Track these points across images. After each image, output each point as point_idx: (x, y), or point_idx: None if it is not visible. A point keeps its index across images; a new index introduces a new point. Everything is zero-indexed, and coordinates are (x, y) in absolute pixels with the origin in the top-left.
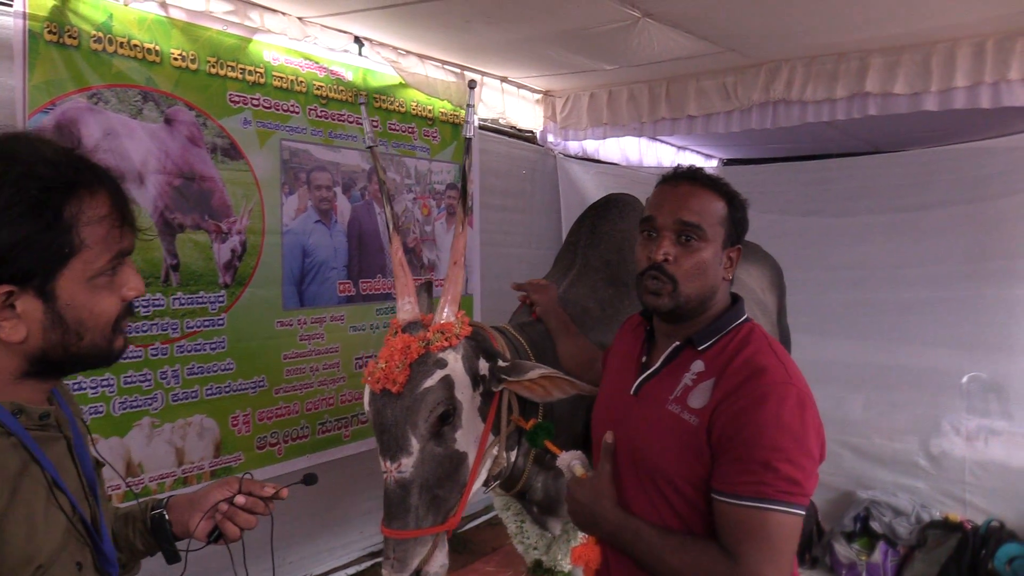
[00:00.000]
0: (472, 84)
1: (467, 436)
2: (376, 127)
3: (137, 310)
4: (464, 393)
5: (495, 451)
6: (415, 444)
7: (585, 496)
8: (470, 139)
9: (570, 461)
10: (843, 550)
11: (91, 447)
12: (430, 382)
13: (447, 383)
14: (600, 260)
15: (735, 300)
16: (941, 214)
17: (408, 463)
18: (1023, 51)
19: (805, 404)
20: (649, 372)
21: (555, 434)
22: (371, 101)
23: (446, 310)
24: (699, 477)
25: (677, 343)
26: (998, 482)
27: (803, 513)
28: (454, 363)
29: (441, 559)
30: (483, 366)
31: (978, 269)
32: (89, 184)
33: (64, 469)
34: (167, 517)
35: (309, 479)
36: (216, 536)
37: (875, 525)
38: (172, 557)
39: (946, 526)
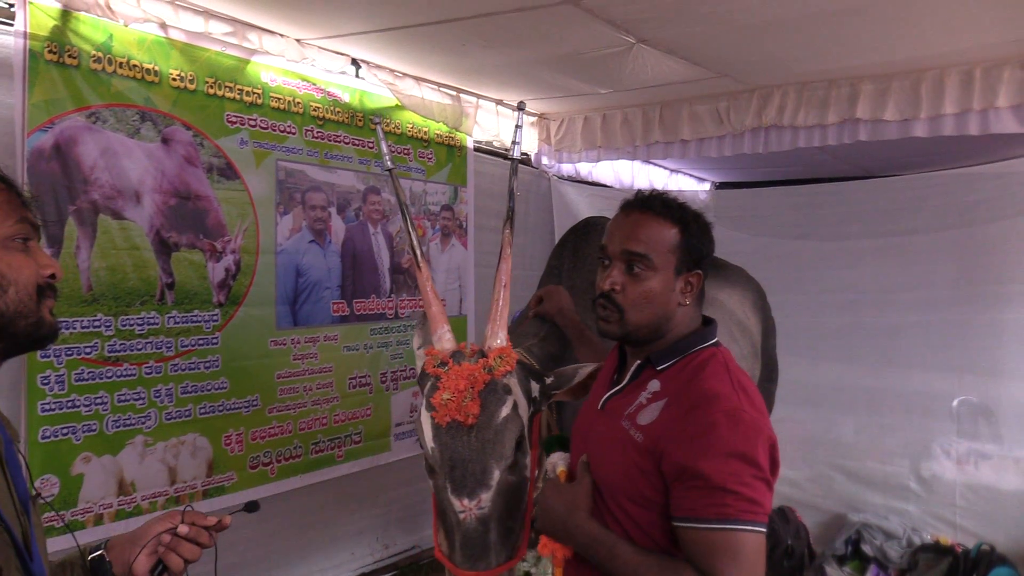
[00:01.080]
0: (521, 106)
1: (528, 459)
2: (372, 148)
3: (129, 328)
4: (525, 416)
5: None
6: (496, 477)
7: (561, 503)
8: (517, 160)
9: (556, 461)
10: (834, 573)
11: (27, 475)
12: (506, 411)
13: (517, 409)
14: (585, 282)
15: (707, 323)
16: (931, 239)
17: (487, 497)
18: (1010, 79)
19: (759, 428)
20: (615, 389)
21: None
22: (367, 123)
23: (500, 334)
24: (642, 495)
25: (639, 362)
26: (988, 506)
27: (765, 531)
28: (515, 387)
29: None
30: (534, 387)
31: (967, 293)
32: None
33: None
34: (107, 558)
35: (250, 506)
36: (160, 571)
37: (866, 548)
38: None
39: (937, 549)
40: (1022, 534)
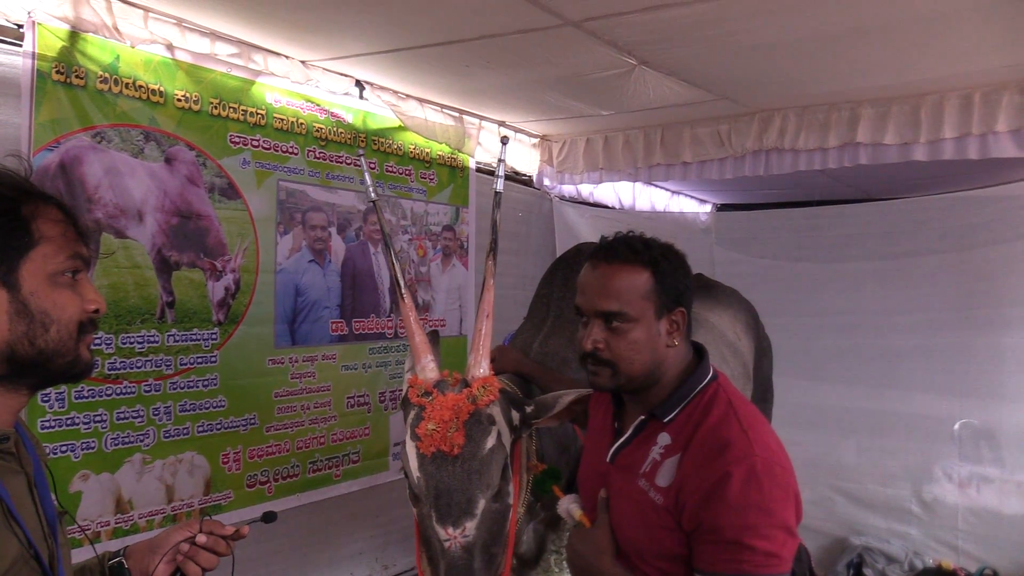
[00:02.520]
0: (505, 140)
1: (510, 486)
2: (373, 168)
3: (129, 346)
4: (508, 444)
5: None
6: (481, 506)
7: (587, 549)
8: (500, 193)
9: (568, 505)
10: None
11: (54, 494)
12: (491, 441)
13: (501, 439)
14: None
15: (699, 356)
16: (931, 262)
17: (472, 526)
18: (1009, 104)
19: (773, 473)
20: (623, 440)
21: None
22: (369, 144)
23: (483, 363)
24: (671, 552)
25: (642, 416)
26: (991, 529)
27: None
28: (499, 416)
29: None
30: (515, 416)
31: (967, 317)
32: (42, 196)
33: (22, 505)
34: (125, 565)
35: (268, 517)
36: None
37: (868, 572)
38: None
39: (939, 573)
40: None
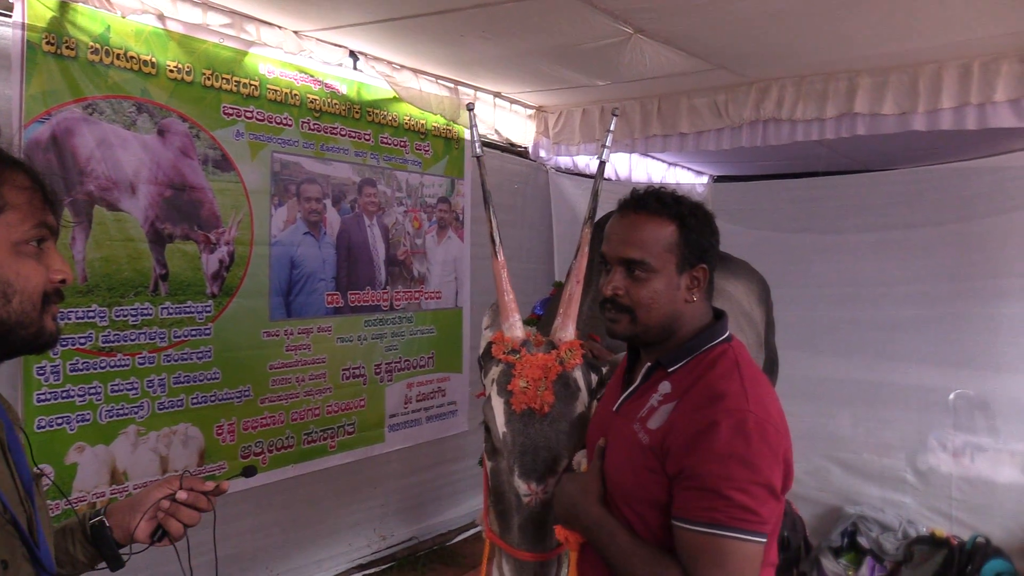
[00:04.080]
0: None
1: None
2: (368, 140)
3: (123, 319)
4: (587, 406)
5: None
6: (564, 464)
7: (573, 489)
8: (604, 162)
9: (579, 458)
10: (831, 565)
11: (30, 458)
12: (580, 405)
13: (585, 401)
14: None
15: (718, 317)
16: (928, 233)
17: (553, 483)
18: (1008, 73)
19: (764, 430)
20: (629, 391)
21: None
22: (364, 115)
23: (570, 327)
24: (654, 497)
25: (649, 363)
26: (984, 498)
27: (760, 540)
28: (582, 380)
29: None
30: (593, 379)
31: (964, 287)
32: (9, 161)
33: None
34: (107, 523)
35: (248, 471)
36: (160, 536)
37: (862, 540)
38: (115, 564)
39: (932, 542)
40: (1017, 527)
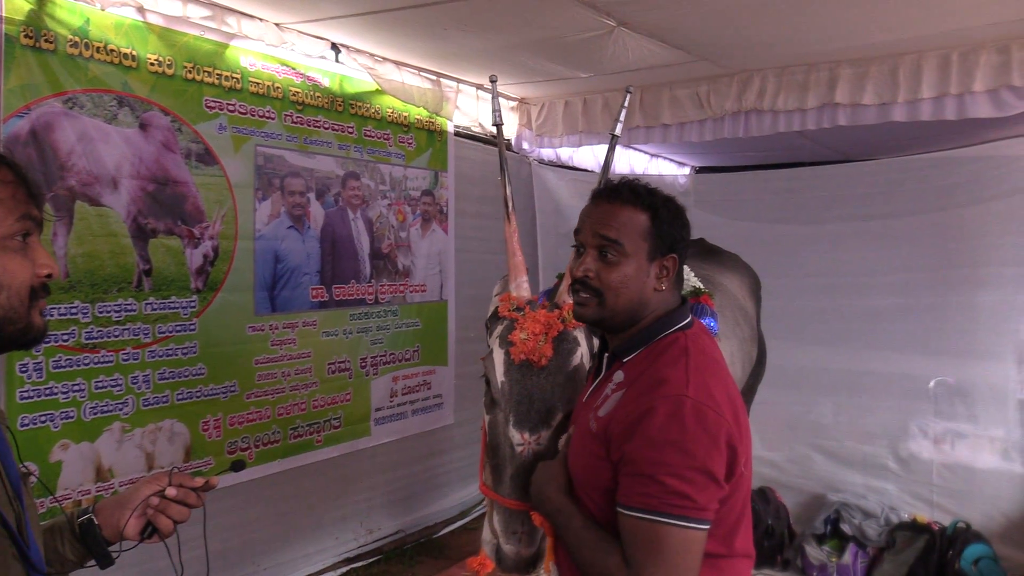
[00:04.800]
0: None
1: None
2: (351, 133)
3: (106, 315)
4: (588, 367)
5: None
6: (558, 418)
7: (541, 476)
8: (616, 136)
9: (564, 441)
10: (814, 552)
11: (17, 457)
12: (577, 360)
13: (583, 361)
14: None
15: (682, 304)
16: (909, 222)
17: (546, 436)
18: (987, 64)
19: (702, 415)
20: (596, 382)
21: None
22: (347, 108)
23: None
24: (604, 484)
25: (608, 355)
26: (964, 484)
27: (699, 527)
28: (583, 340)
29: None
30: (596, 344)
31: (944, 276)
32: None
33: None
34: (96, 521)
35: (237, 465)
36: (149, 533)
37: (845, 527)
38: (105, 561)
39: (914, 527)
40: (996, 511)
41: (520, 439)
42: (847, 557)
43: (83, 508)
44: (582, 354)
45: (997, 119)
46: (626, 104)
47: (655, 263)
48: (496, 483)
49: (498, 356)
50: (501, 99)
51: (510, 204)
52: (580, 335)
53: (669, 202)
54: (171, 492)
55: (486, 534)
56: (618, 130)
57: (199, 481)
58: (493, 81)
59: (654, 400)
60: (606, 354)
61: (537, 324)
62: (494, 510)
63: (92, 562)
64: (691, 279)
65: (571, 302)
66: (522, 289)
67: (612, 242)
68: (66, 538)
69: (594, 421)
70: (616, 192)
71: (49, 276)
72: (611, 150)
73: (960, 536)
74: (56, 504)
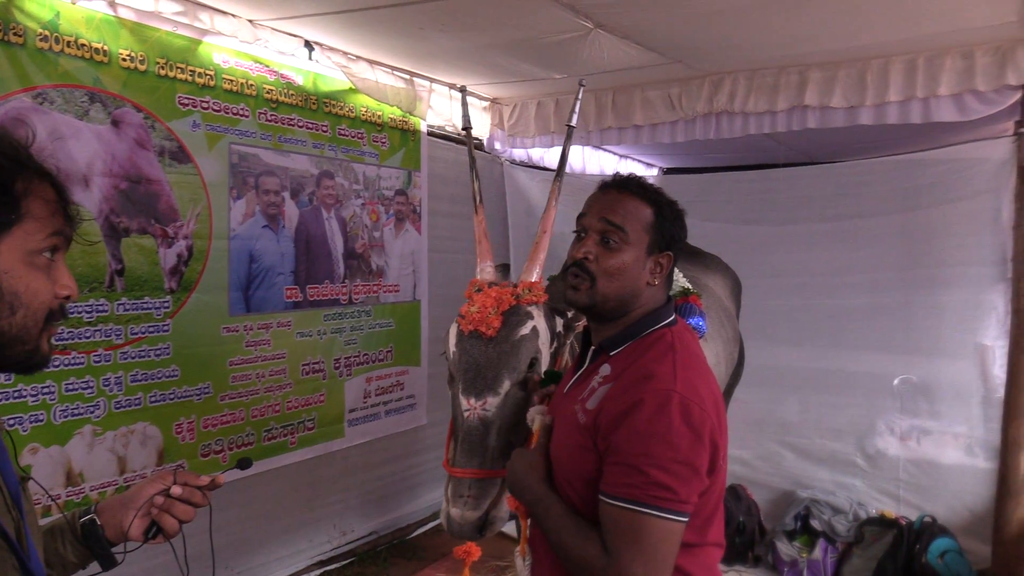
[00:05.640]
0: (582, 83)
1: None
2: (325, 132)
3: (77, 316)
4: (544, 347)
5: None
6: (505, 386)
7: (520, 466)
8: (572, 127)
9: (535, 414)
10: (785, 548)
11: (15, 460)
12: (526, 330)
13: (536, 334)
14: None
15: (668, 302)
16: (875, 223)
17: (494, 403)
18: (951, 68)
19: (687, 410)
20: (579, 373)
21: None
22: (320, 106)
23: (535, 271)
24: (589, 475)
25: (594, 347)
26: (930, 479)
27: (679, 519)
28: (539, 318)
29: (505, 506)
30: (558, 323)
31: (910, 276)
32: (38, 171)
33: None
34: (98, 522)
35: (243, 464)
36: (154, 533)
37: (815, 523)
38: (108, 563)
39: (882, 523)
40: (961, 505)
41: (467, 404)
42: (817, 552)
43: (85, 508)
44: (534, 327)
45: (961, 123)
46: (580, 97)
47: (652, 257)
48: (451, 456)
49: (452, 329)
50: (473, 99)
51: (478, 198)
52: (535, 311)
53: (673, 203)
54: (176, 491)
55: (442, 503)
56: (574, 121)
57: (205, 479)
58: (462, 91)
59: (643, 393)
60: (591, 348)
61: (489, 298)
62: (448, 479)
63: (94, 563)
64: (680, 279)
65: (531, 281)
66: (485, 273)
67: (617, 227)
68: (67, 540)
69: (582, 413)
70: (625, 184)
71: (68, 298)
72: (567, 140)
73: (926, 530)
74: (48, 498)
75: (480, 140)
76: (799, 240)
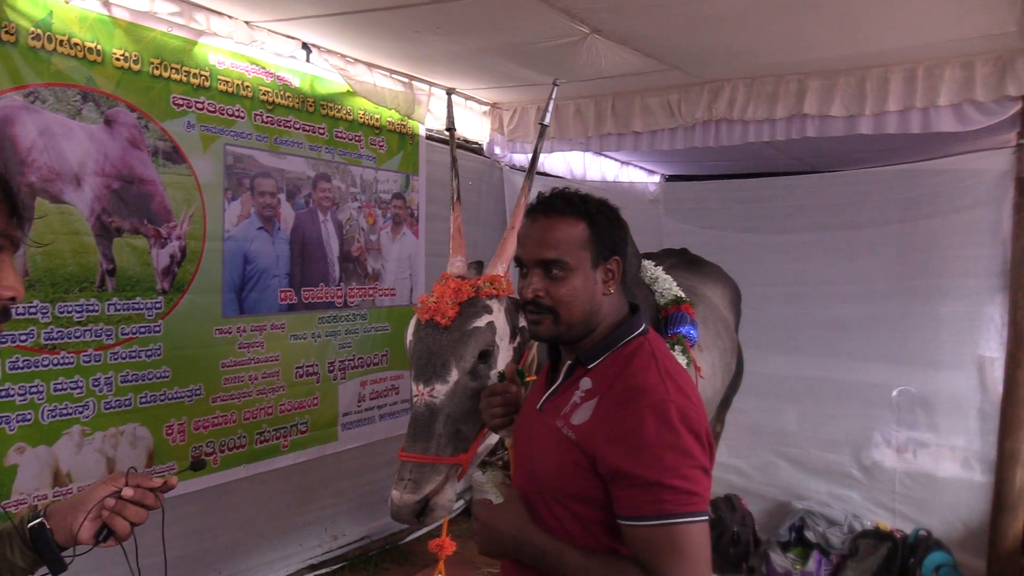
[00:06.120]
0: (555, 82)
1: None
2: (323, 135)
3: (67, 316)
4: (503, 342)
5: None
6: (454, 375)
7: (506, 524)
8: (546, 126)
9: (491, 481)
10: (779, 559)
11: None
12: (479, 322)
13: (492, 327)
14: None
15: (634, 311)
16: (873, 233)
17: (442, 390)
18: (951, 79)
19: (687, 416)
20: (552, 389)
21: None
22: (318, 108)
23: (499, 266)
24: (582, 492)
25: (570, 361)
26: (926, 492)
27: (707, 518)
28: (498, 311)
29: (450, 495)
30: (521, 319)
31: (907, 286)
32: None
33: None
34: (47, 525)
35: (197, 465)
36: (105, 536)
37: (809, 535)
38: (57, 567)
39: (877, 535)
40: (957, 519)
41: (416, 390)
42: (811, 564)
43: (34, 512)
44: (489, 321)
45: (960, 133)
46: (553, 96)
47: (600, 268)
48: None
49: (412, 319)
50: (473, 103)
51: (455, 195)
52: (495, 304)
53: (603, 205)
54: (127, 493)
55: None
56: (547, 120)
57: (157, 481)
58: (449, 93)
59: (640, 410)
60: (567, 362)
61: (448, 289)
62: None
63: (44, 568)
64: (672, 288)
65: (494, 275)
66: (455, 266)
67: (554, 261)
68: (15, 544)
69: (569, 429)
70: (550, 205)
71: (12, 299)
72: (540, 138)
73: (922, 544)
74: (10, 510)
75: (479, 144)
76: (796, 249)
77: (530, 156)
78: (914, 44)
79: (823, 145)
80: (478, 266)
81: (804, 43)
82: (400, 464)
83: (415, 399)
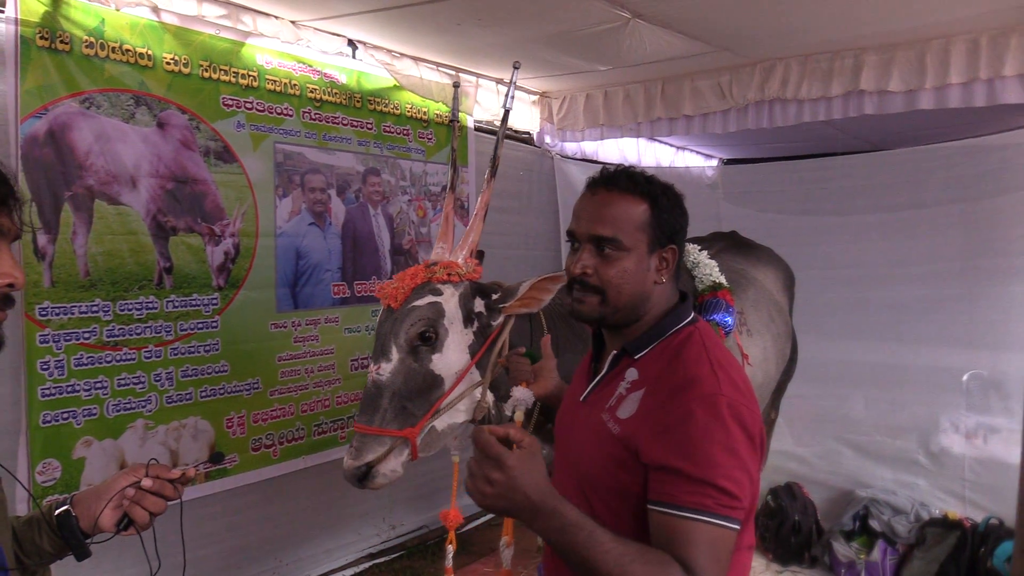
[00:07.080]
0: (516, 65)
1: (446, 364)
2: (371, 129)
3: (128, 313)
4: (453, 326)
5: (478, 393)
6: (394, 353)
7: (532, 483)
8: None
9: (519, 401)
10: (842, 549)
11: None
12: (419, 303)
13: (435, 309)
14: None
15: (683, 299)
16: (937, 212)
17: (386, 368)
18: (1018, 47)
19: (739, 413)
20: (596, 380)
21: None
22: (365, 104)
23: (460, 254)
24: (624, 487)
25: (615, 351)
26: (997, 479)
27: (735, 527)
28: (449, 296)
29: (393, 465)
30: (479, 304)
31: (973, 267)
32: None
33: None
34: (73, 513)
35: (216, 457)
36: (125, 524)
37: (874, 524)
38: (81, 553)
39: (945, 524)
40: None
41: (370, 368)
42: (876, 554)
43: (61, 500)
44: (432, 303)
45: None
46: (515, 80)
47: (655, 255)
48: None
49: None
50: (523, 93)
51: (450, 184)
52: (448, 288)
53: (668, 190)
54: (146, 483)
55: None
56: (509, 103)
57: (176, 473)
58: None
59: (690, 403)
60: (612, 352)
61: (407, 275)
62: None
63: (70, 554)
64: (713, 273)
65: (450, 260)
66: (436, 252)
67: (609, 239)
68: (44, 530)
69: (615, 423)
70: (613, 180)
71: (11, 286)
72: (503, 123)
73: (992, 533)
74: (33, 499)
75: (530, 134)
76: (855, 230)
77: (582, 145)
78: (977, 12)
79: (884, 122)
80: (480, 256)
81: (859, 17)
82: (353, 433)
83: (368, 376)
